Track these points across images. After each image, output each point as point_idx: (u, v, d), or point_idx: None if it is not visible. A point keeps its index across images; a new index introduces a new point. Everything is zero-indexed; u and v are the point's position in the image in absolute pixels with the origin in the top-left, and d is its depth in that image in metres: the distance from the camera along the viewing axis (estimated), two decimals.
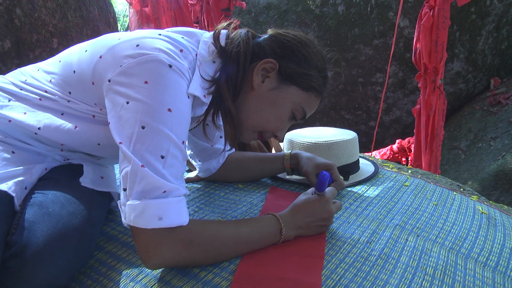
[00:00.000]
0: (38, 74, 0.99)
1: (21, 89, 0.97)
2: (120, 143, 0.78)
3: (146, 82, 0.78)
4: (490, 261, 0.95)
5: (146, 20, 3.65)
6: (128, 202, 0.76)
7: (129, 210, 0.76)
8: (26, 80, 0.99)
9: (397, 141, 4.04)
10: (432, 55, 2.67)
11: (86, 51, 0.93)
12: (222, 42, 0.96)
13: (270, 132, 1.03)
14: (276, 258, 0.86)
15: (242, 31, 0.99)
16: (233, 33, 0.99)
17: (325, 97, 1.06)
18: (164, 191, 0.76)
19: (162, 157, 0.77)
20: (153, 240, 0.75)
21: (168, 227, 0.76)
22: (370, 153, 3.80)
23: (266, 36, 1.01)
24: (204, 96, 0.90)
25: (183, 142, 0.81)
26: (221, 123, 1.01)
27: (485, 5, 4.15)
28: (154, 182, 0.75)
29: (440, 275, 0.86)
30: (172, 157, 0.78)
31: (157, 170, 0.76)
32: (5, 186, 0.83)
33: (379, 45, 4.39)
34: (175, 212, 0.77)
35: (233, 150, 1.31)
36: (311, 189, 0.99)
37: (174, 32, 0.95)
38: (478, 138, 3.97)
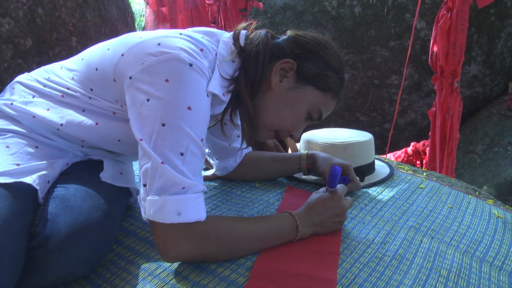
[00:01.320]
0: (61, 71, 1.02)
1: (44, 86, 1.01)
2: (141, 139, 0.80)
3: (167, 80, 0.80)
4: (506, 265, 0.95)
5: (162, 19, 3.69)
6: (148, 198, 0.78)
7: (149, 205, 0.78)
8: (49, 77, 1.02)
9: (412, 144, 4.01)
10: (450, 58, 2.65)
11: (108, 49, 0.95)
12: (242, 42, 0.97)
13: (287, 131, 1.04)
14: (292, 255, 0.88)
15: (262, 31, 1.00)
16: (253, 34, 1.00)
17: (341, 99, 1.07)
18: (183, 187, 0.78)
19: (182, 154, 0.79)
20: (172, 234, 0.78)
21: (186, 222, 0.78)
22: (384, 156, 3.79)
23: (285, 37, 1.02)
24: (223, 94, 0.92)
25: (201, 140, 0.83)
26: (239, 122, 1.03)
27: (506, 6, 4.10)
28: (174, 178, 0.77)
29: (455, 277, 0.86)
30: (191, 154, 0.80)
31: (176, 167, 0.78)
32: (29, 179, 0.86)
33: (395, 47, 4.37)
34: (193, 208, 0.79)
35: (250, 149, 1.32)
36: (323, 188, 1.01)
37: (194, 31, 0.96)
38: (495, 142, 3.93)
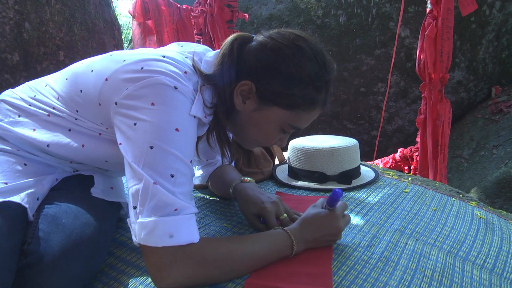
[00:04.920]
0: (46, 90, 1.02)
1: (30, 105, 1.00)
2: (131, 162, 0.79)
3: (152, 104, 0.81)
4: (487, 264, 0.98)
5: (148, 32, 3.71)
6: (138, 220, 0.77)
7: (140, 228, 0.76)
8: (35, 96, 1.01)
9: (399, 150, 4.06)
10: (437, 65, 2.70)
11: (92, 71, 0.95)
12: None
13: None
14: (284, 267, 0.89)
15: (226, 47, 0.95)
16: (220, 51, 0.96)
17: (326, 106, 0.98)
18: (176, 209, 0.76)
19: (172, 176, 0.78)
20: (166, 259, 0.75)
21: (179, 245, 0.76)
22: (372, 162, 3.82)
23: (253, 44, 0.95)
24: (205, 116, 0.92)
25: (190, 161, 0.83)
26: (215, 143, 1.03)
27: (485, 14, 4.20)
28: (166, 199, 0.76)
29: (438, 277, 0.89)
30: (181, 175, 0.79)
31: (168, 188, 0.77)
32: (18, 198, 0.86)
33: (381, 55, 4.43)
34: (186, 229, 0.77)
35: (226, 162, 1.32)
36: (320, 200, 1.00)
37: (178, 52, 0.96)
38: (481, 146, 3.99)
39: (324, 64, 0.93)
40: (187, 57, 0.94)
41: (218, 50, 0.99)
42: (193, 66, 0.92)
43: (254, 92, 0.92)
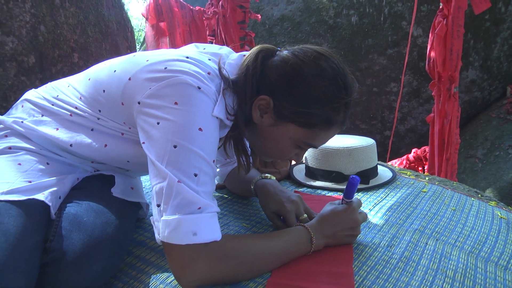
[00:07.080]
0: (68, 90, 1.03)
1: (52, 105, 1.02)
2: (154, 160, 0.80)
3: (176, 103, 0.81)
4: (511, 265, 0.96)
5: (161, 34, 3.73)
6: (162, 218, 0.77)
7: (163, 226, 0.77)
8: (58, 96, 1.03)
9: (413, 150, 4.03)
10: (447, 63, 2.68)
11: (115, 71, 0.95)
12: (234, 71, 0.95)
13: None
14: (306, 267, 0.89)
15: (251, 57, 0.94)
16: (244, 61, 0.95)
17: (345, 123, 0.96)
18: (199, 208, 0.77)
19: (195, 175, 0.78)
20: (189, 256, 0.76)
21: (203, 243, 0.77)
22: (387, 163, 3.79)
23: (276, 59, 0.94)
24: (227, 118, 0.92)
25: (213, 161, 0.83)
26: (231, 150, 1.03)
27: (500, 12, 4.15)
28: (190, 197, 0.76)
29: (461, 277, 0.88)
30: (204, 175, 0.80)
31: (191, 187, 0.77)
32: (42, 196, 0.87)
33: (393, 55, 4.41)
34: (209, 227, 0.78)
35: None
36: (338, 201, 1.00)
37: (201, 53, 0.96)
38: (495, 146, 3.95)
39: (344, 85, 0.91)
40: (210, 59, 0.94)
41: (241, 53, 0.99)
42: (219, 70, 0.92)
43: (272, 107, 0.92)
